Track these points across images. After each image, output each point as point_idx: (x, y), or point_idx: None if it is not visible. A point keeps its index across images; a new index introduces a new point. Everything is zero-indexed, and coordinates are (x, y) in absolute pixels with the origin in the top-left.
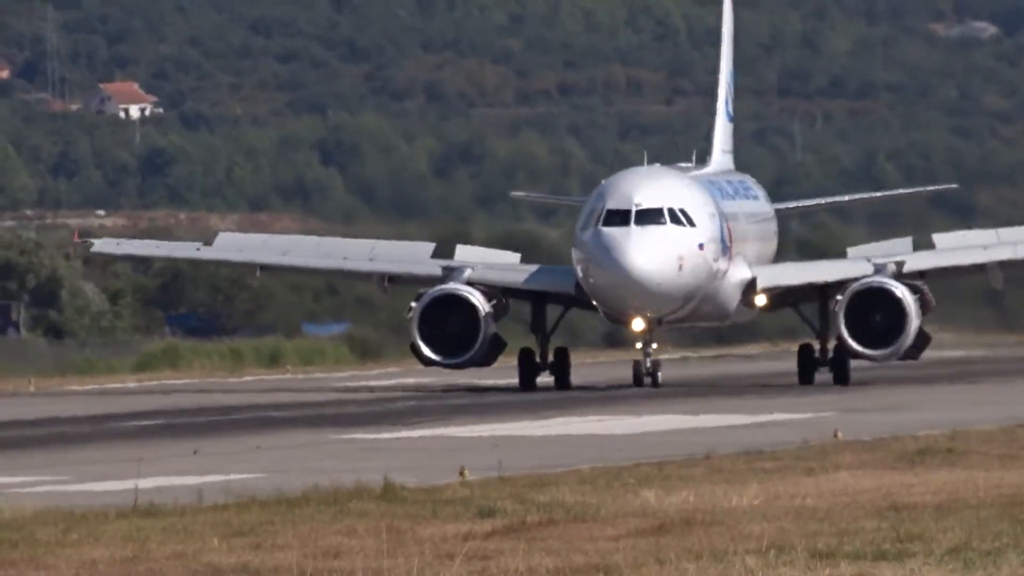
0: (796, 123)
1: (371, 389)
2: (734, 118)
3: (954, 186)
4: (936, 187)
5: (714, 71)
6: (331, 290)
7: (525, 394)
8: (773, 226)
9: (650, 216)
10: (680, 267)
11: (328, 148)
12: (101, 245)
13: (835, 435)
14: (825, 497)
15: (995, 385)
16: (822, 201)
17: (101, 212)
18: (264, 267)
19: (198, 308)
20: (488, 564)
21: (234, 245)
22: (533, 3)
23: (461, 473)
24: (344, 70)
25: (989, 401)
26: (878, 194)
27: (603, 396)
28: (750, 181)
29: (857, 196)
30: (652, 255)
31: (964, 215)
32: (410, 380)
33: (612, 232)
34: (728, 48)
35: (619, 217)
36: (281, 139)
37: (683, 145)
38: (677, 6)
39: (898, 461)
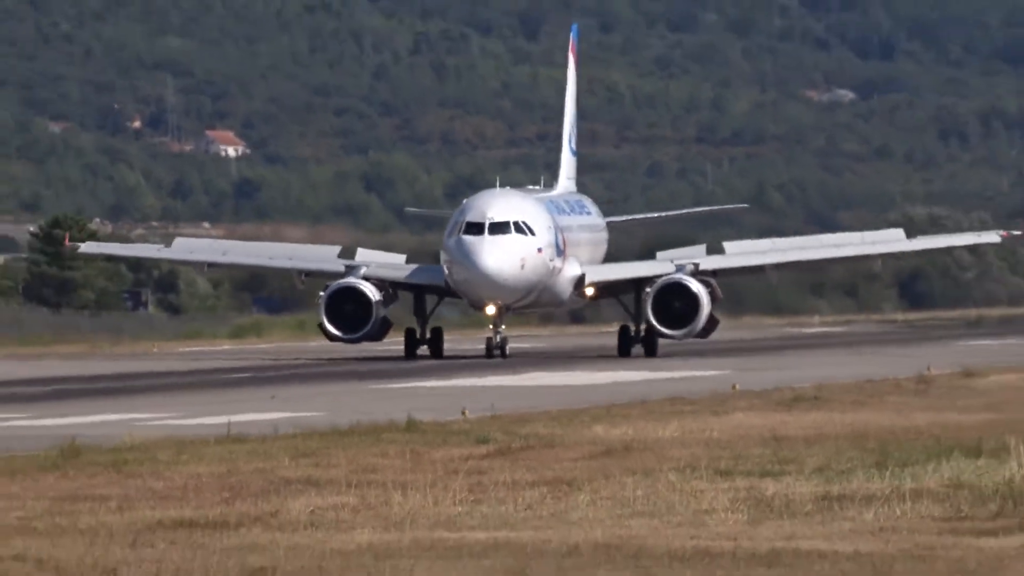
0: (708, 164)
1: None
2: (576, 152)
3: (745, 206)
4: (729, 207)
5: (642, 126)
6: None
7: (417, 361)
8: (604, 235)
9: (500, 227)
10: (522, 266)
11: (370, 179)
12: (86, 247)
13: (733, 387)
14: (726, 431)
15: (849, 352)
16: (647, 216)
17: (206, 224)
18: (210, 264)
19: (275, 291)
20: (483, 477)
21: (187, 248)
22: (518, 74)
23: (463, 413)
24: (381, 122)
25: (844, 363)
26: (683, 211)
27: (539, 359)
28: (586, 200)
29: (672, 213)
30: (500, 257)
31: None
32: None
33: (470, 239)
34: (572, 101)
35: (476, 228)
36: (336, 173)
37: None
38: (624, 77)
39: (778, 405)
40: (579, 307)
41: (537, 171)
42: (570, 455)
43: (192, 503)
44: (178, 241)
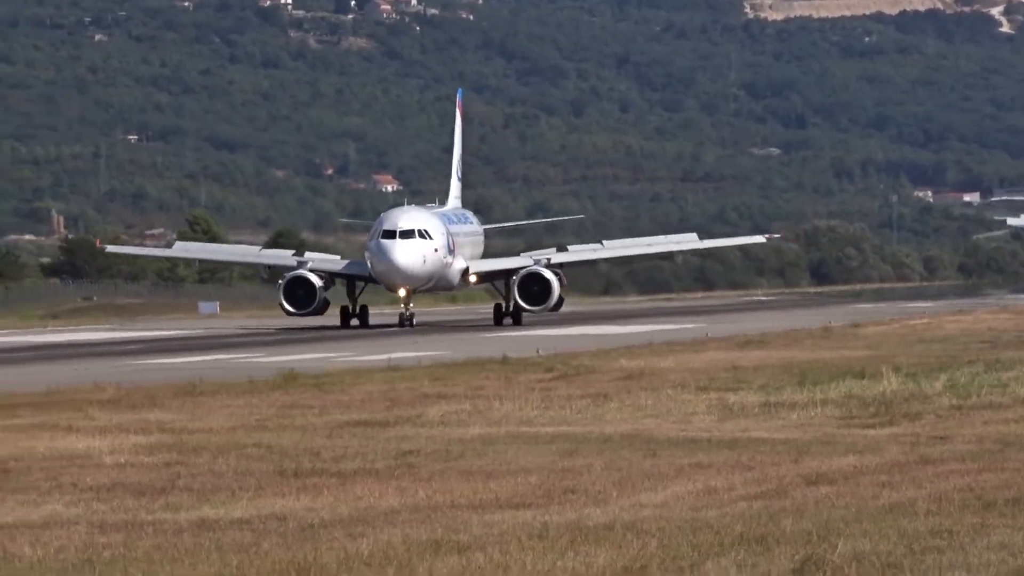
0: (688, 194)
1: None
2: (461, 179)
3: (581, 216)
4: (568, 218)
5: (647, 170)
6: None
7: (350, 330)
8: (481, 238)
9: (407, 234)
10: (424, 261)
11: (477, 205)
12: (111, 248)
13: (706, 335)
14: (703, 362)
15: (779, 312)
16: (513, 224)
17: None
18: (202, 261)
19: None
20: (550, 392)
21: (183, 249)
22: (570, 139)
23: (536, 351)
24: (484, 169)
25: (777, 320)
26: (532, 221)
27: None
28: (469, 213)
29: (531, 222)
30: (408, 255)
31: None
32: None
33: (386, 243)
34: (458, 144)
35: (390, 234)
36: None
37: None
38: (635, 140)
39: (735, 346)
40: (467, 289)
41: (583, 199)
42: (604, 378)
43: (365, 409)
44: (177, 244)
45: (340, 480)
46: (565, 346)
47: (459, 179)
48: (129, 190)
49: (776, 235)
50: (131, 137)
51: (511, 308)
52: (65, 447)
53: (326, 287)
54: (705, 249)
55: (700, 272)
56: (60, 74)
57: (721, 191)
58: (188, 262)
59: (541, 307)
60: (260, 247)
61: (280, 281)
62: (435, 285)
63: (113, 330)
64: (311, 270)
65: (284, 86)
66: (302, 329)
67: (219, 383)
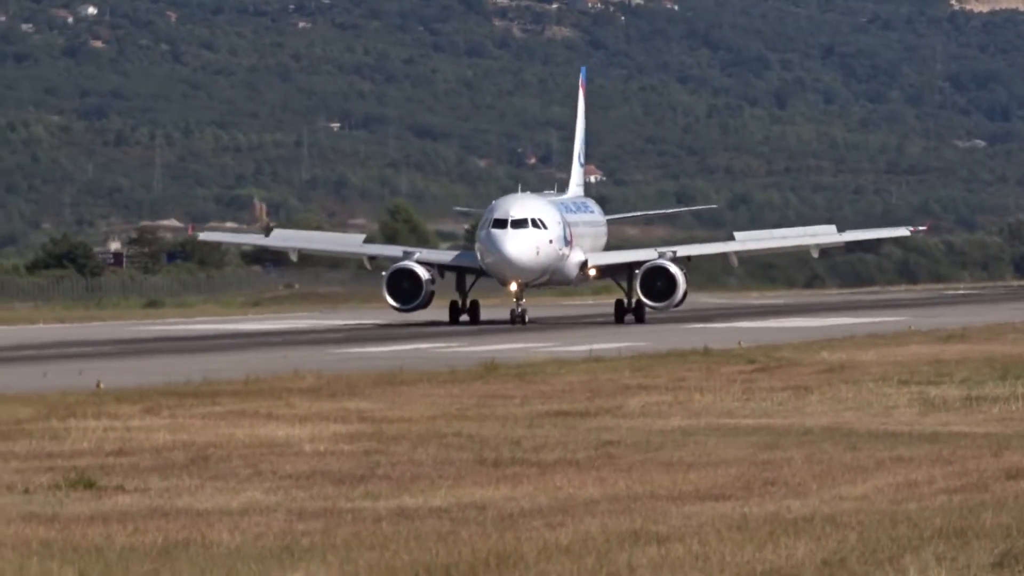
0: (893, 186)
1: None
2: (584, 165)
3: (715, 206)
4: (704, 207)
5: (851, 162)
6: None
7: (463, 327)
8: (603, 229)
9: (520, 223)
10: (537, 253)
11: (678, 195)
12: (204, 236)
13: (909, 328)
14: (905, 356)
15: (982, 306)
16: (636, 214)
17: None
18: (301, 251)
19: None
20: (751, 384)
21: (281, 236)
22: (774, 129)
23: (739, 343)
24: (688, 159)
25: (979, 313)
26: (670, 211)
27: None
28: (590, 202)
29: (653, 212)
30: (520, 247)
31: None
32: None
33: (497, 232)
34: (580, 127)
35: (501, 223)
36: (658, 191)
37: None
38: (840, 132)
39: (938, 340)
40: (588, 284)
41: (785, 191)
42: (805, 371)
43: (567, 400)
44: (275, 232)
45: (540, 470)
46: (766, 337)
47: (581, 165)
48: (331, 178)
49: (922, 228)
50: (333, 125)
51: (633, 304)
52: (265, 435)
53: (433, 280)
54: (851, 242)
55: (903, 265)
56: (263, 61)
57: (925, 183)
58: (286, 251)
59: (665, 303)
60: (364, 236)
61: (384, 273)
62: (551, 279)
63: (314, 318)
64: (418, 261)
65: (487, 75)
66: (408, 326)
67: (420, 372)
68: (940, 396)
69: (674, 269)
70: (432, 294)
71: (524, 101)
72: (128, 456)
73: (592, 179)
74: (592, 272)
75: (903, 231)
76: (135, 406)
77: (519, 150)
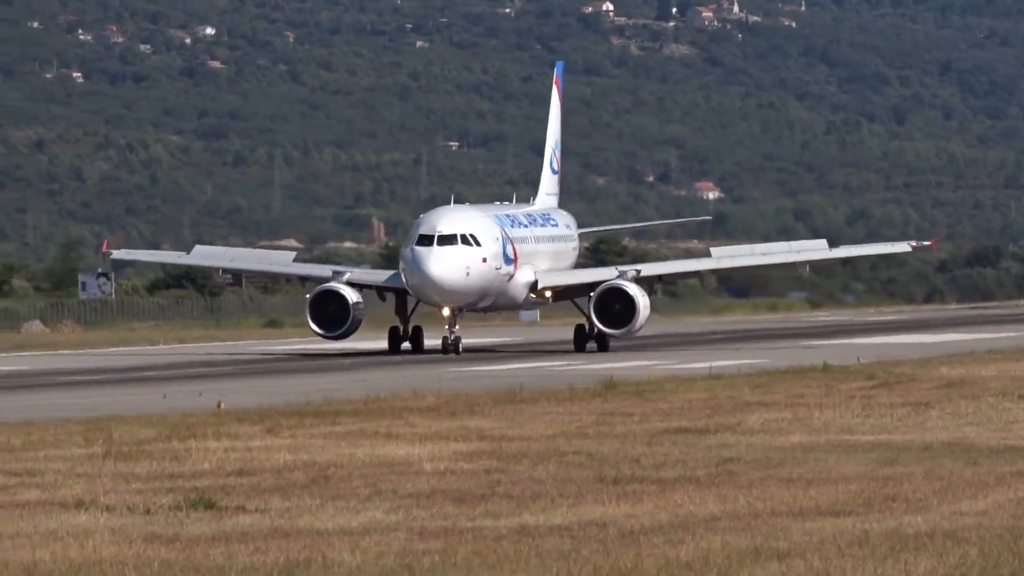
0: (1012, 201)
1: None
2: (557, 172)
3: (708, 218)
4: (694, 219)
5: (970, 177)
6: None
7: (424, 355)
8: (570, 244)
9: (447, 239)
10: (467, 273)
11: (797, 212)
12: (117, 254)
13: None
14: None
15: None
16: (609, 228)
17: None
18: (225, 270)
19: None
20: (870, 400)
21: (203, 254)
22: (892, 145)
23: (858, 359)
24: (806, 175)
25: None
26: (639, 224)
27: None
28: (559, 214)
29: (627, 226)
30: (447, 266)
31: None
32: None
33: (421, 250)
34: (553, 128)
35: (427, 240)
36: (776, 208)
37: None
38: (958, 148)
39: None
40: (542, 307)
41: (905, 207)
42: (925, 386)
43: (686, 417)
44: (196, 248)
45: (660, 487)
46: (884, 353)
47: (554, 172)
48: (449, 197)
49: (926, 242)
50: (451, 144)
51: (595, 330)
52: (385, 454)
53: (362, 304)
54: (832, 259)
55: (1023, 280)
56: (380, 80)
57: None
58: (211, 270)
59: (623, 330)
60: (294, 255)
61: (308, 295)
62: (494, 303)
63: (433, 337)
64: (348, 283)
65: (606, 93)
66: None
67: (539, 390)
68: None
69: (633, 290)
70: (359, 320)
71: (642, 119)
72: (249, 476)
73: (710, 196)
74: (547, 293)
75: (904, 246)
76: (255, 426)
77: (638, 168)
